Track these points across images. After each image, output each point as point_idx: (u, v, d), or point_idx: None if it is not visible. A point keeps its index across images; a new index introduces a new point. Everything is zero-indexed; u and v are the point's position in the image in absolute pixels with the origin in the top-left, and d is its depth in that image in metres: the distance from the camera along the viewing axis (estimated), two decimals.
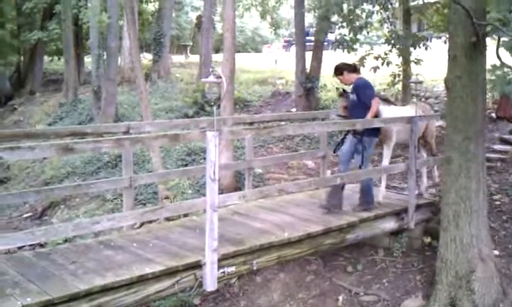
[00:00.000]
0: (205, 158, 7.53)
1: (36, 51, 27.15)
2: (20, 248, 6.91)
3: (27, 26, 27.01)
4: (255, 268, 5.88)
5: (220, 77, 5.48)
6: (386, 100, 7.74)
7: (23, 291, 4.57)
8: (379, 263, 7.64)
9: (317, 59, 14.39)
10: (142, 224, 7.66)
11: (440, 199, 7.41)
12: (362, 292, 7.18)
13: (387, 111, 7.37)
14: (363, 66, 11.20)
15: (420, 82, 7.67)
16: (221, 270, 5.43)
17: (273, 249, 5.99)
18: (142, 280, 4.98)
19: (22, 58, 30.06)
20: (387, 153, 7.56)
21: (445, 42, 9.26)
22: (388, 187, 9.28)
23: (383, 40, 12.42)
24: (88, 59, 26.59)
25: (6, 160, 4.38)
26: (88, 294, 4.66)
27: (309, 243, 6.37)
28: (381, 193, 7.66)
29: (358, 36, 11.25)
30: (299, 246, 6.28)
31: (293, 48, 28.99)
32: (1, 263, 5.30)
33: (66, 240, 6.94)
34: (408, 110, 7.72)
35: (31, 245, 7.30)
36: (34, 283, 4.76)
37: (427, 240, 7.66)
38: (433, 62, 12.72)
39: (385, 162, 7.60)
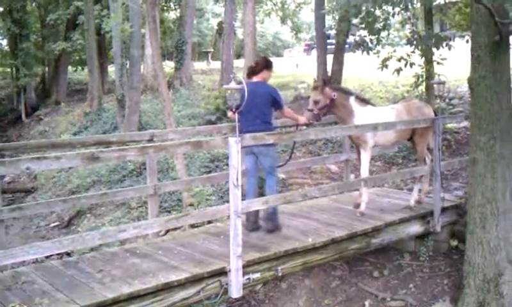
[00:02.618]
0: (228, 165, 7.56)
1: (60, 62, 27.58)
2: (47, 257, 7.02)
3: (51, 37, 27.50)
4: (279, 274, 5.88)
5: (241, 83, 5.50)
6: (362, 100, 7.33)
7: (51, 300, 4.65)
8: (405, 267, 7.55)
9: (338, 62, 14.33)
10: (167, 232, 7.72)
11: (465, 201, 7.31)
12: (389, 297, 7.10)
13: (362, 112, 7.02)
14: (386, 67, 11.13)
15: (443, 83, 7.53)
16: (246, 277, 5.45)
17: (298, 255, 5.98)
18: (168, 288, 5.02)
19: (46, 69, 30.59)
20: (365, 157, 7.09)
21: (468, 41, 9.13)
22: (412, 189, 9.23)
23: (404, 41, 12.32)
24: (111, 69, 26.91)
25: (33, 170, 4.45)
26: (115, 302, 4.73)
27: (334, 248, 6.35)
28: (412, 197, 7.54)
29: (379, 38, 11.17)
30: (324, 251, 6.26)
31: (314, 52, 29.06)
32: (30, 273, 5.41)
33: (92, 249, 7.01)
34: (387, 111, 7.40)
35: (58, 254, 7.40)
36: (62, 292, 4.84)
37: (454, 243, 7.56)
38: (456, 62, 12.55)
39: (364, 167, 7.09)
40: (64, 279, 5.19)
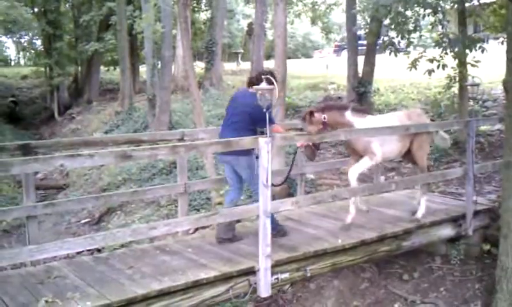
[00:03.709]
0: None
1: (92, 62, 28.04)
2: (78, 253, 7.14)
3: (84, 38, 27.97)
4: (308, 275, 5.86)
5: (272, 84, 5.51)
6: (360, 111, 6.87)
7: (83, 295, 4.73)
8: (435, 270, 7.45)
9: (370, 63, 14.21)
10: (196, 230, 7.77)
11: (499, 205, 7.17)
12: (419, 300, 7.01)
13: (362, 124, 6.58)
14: (415, 68, 11.00)
15: (477, 85, 7.38)
16: (275, 277, 5.45)
17: (327, 256, 5.96)
18: (197, 285, 5.06)
19: (79, 69, 31.16)
20: (366, 163, 6.64)
21: (503, 43, 8.95)
22: (444, 192, 9.11)
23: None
24: (142, 69, 27.25)
25: (67, 167, 4.54)
26: (145, 299, 4.78)
27: (364, 250, 6.30)
28: (420, 211, 7.09)
29: (409, 39, 11.04)
30: (354, 253, 6.22)
31: (344, 53, 28.89)
32: (62, 268, 5.51)
33: (122, 245, 7.09)
34: (389, 119, 7.04)
35: (89, 249, 7.52)
36: (93, 287, 4.91)
37: (486, 247, 7.42)
38: (491, 63, 12.33)
39: (356, 170, 6.61)
40: (96, 275, 5.26)
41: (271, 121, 5.80)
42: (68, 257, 6.48)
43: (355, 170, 6.61)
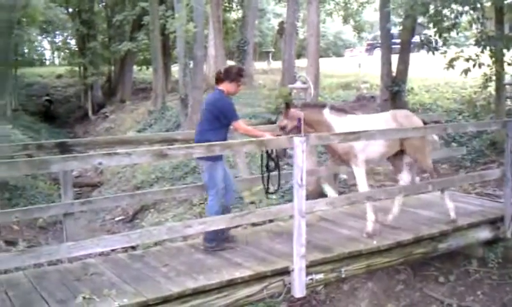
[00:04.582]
0: (288, 164, 7.53)
1: (125, 61, 28.41)
2: (113, 250, 7.22)
3: (117, 37, 28.39)
4: (343, 276, 5.82)
5: (307, 83, 5.48)
6: (340, 110, 6.53)
7: (119, 292, 4.78)
8: (472, 274, 7.29)
9: (404, 62, 14.00)
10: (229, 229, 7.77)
11: None
12: (455, 304, 6.88)
13: (342, 123, 6.25)
14: (453, 68, 10.80)
15: None
16: (309, 277, 5.43)
17: (362, 257, 5.90)
18: (232, 284, 5.07)
19: (112, 68, 31.64)
20: (360, 173, 6.30)
21: None
22: (481, 194, 8.92)
23: (470, 41, 11.93)
24: (174, 68, 27.46)
25: (104, 165, 4.58)
26: (180, 296, 4.81)
27: (399, 252, 6.22)
28: (452, 210, 6.81)
29: (446, 37, 10.86)
30: (389, 255, 6.15)
31: (376, 52, 28.58)
32: (98, 265, 5.59)
33: (156, 243, 7.15)
34: (372, 119, 6.71)
35: (123, 247, 7.59)
36: (129, 285, 4.97)
37: None
38: None
39: (361, 185, 6.30)
40: (131, 272, 5.32)
41: (234, 117, 5.85)
42: (104, 254, 6.58)
43: (362, 186, 6.29)
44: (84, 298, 4.62)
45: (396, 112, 6.88)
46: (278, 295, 5.42)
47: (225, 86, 5.98)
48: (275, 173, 6.12)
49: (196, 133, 6.08)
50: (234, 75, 6.00)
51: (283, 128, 6.17)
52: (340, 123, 6.24)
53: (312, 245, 5.76)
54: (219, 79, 6.02)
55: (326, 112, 6.30)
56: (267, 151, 6.13)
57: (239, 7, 31.38)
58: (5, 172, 4.35)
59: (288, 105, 6.22)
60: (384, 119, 6.56)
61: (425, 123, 6.78)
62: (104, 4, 31.98)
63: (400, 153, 6.70)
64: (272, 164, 6.13)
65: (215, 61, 21.58)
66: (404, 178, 6.84)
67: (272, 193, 6.54)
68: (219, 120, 5.85)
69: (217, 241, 5.90)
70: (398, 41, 14.92)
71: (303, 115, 6.10)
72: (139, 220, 11.86)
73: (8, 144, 9.97)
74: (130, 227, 11.53)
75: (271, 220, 7.12)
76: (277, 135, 5.97)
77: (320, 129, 6.18)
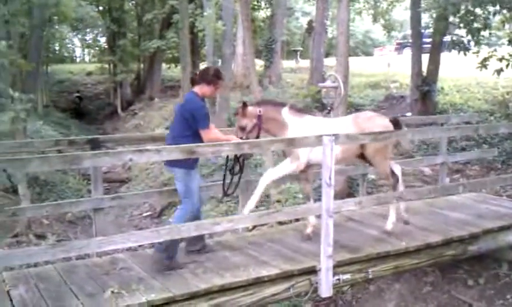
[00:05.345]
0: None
1: (154, 59, 28.65)
2: (140, 245, 7.29)
3: (147, 35, 28.65)
4: (370, 276, 5.76)
5: (337, 82, 5.44)
6: (299, 111, 6.25)
7: (147, 287, 4.83)
8: (502, 277, 7.15)
9: (434, 62, 13.83)
10: (254, 227, 7.78)
11: None
12: None
13: (298, 123, 6.00)
14: (485, 68, 10.62)
15: None
16: (336, 277, 5.39)
17: (390, 258, 5.84)
18: (258, 282, 5.06)
19: (141, 66, 31.93)
20: (284, 164, 5.99)
21: None
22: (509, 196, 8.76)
23: (503, 41, 11.69)
24: (202, 66, 27.59)
25: (135, 161, 4.62)
26: (207, 293, 4.82)
27: (428, 253, 6.14)
28: (390, 220, 6.47)
29: (478, 37, 10.67)
30: (417, 256, 6.07)
31: (406, 51, 28.24)
32: (127, 259, 5.65)
33: (182, 239, 7.20)
34: (330, 121, 6.41)
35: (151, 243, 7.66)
36: (157, 280, 5.01)
37: None
38: None
39: (273, 172, 6.00)
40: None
41: (202, 123, 5.36)
42: (131, 249, 6.65)
43: (269, 174, 5.96)
44: (112, 292, 4.68)
45: (358, 115, 6.52)
46: (305, 294, 5.40)
47: (201, 89, 5.55)
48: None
49: (167, 138, 5.71)
50: (211, 77, 5.57)
51: (243, 129, 5.93)
52: (296, 122, 6.00)
53: (339, 245, 5.73)
54: (194, 81, 5.64)
55: (285, 111, 6.06)
56: (235, 154, 5.86)
57: (267, 5, 31.38)
58: (38, 167, 4.40)
59: (245, 104, 5.92)
60: (345, 123, 6.25)
61: (396, 124, 6.35)
62: (134, 2, 32.32)
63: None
64: (237, 167, 5.94)
65: (243, 60, 21.65)
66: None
67: (228, 195, 6.24)
68: (190, 124, 5.39)
69: (203, 243, 5.66)
70: (429, 40, 14.76)
71: (262, 112, 5.92)
72: (166, 216, 11.96)
73: (39, 140, 10.18)
74: (158, 223, 11.64)
75: (297, 219, 7.11)
76: (240, 137, 5.79)
77: (276, 127, 6.01)
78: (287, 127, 5.97)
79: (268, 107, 6.06)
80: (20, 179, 9.92)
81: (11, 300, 4.67)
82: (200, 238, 5.69)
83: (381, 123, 6.25)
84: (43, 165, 4.29)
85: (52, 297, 4.69)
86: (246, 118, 5.92)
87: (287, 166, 5.98)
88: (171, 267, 5.29)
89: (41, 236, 9.82)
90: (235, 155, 5.92)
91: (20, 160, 4.41)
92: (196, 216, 5.57)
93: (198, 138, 5.35)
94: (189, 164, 5.33)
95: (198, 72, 5.70)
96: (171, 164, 5.35)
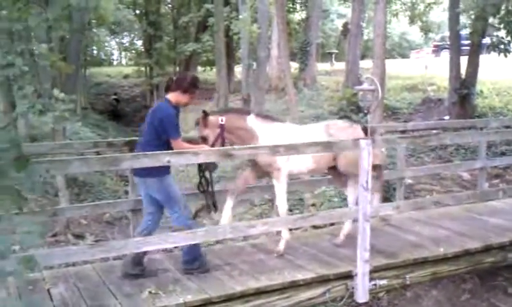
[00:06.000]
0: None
1: (190, 62, 28.92)
2: (176, 247, 7.36)
3: (183, 38, 28.90)
4: (407, 282, 5.69)
5: (375, 84, 5.39)
6: (266, 117, 5.96)
7: (183, 288, 4.88)
8: None
9: (473, 64, 13.55)
10: (289, 230, 7.76)
11: None
12: None
13: (267, 130, 5.71)
14: None
15: None
16: (373, 283, 5.34)
17: (428, 265, 5.75)
18: (294, 286, 5.06)
19: (177, 69, 32.23)
20: (281, 189, 5.73)
21: None
22: None
23: None
24: (237, 69, 27.73)
25: (172, 163, 4.66)
26: (243, 296, 4.84)
27: (467, 260, 6.02)
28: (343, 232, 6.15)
29: None
30: (456, 263, 5.97)
31: (443, 53, 27.76)
32: (163, 261, 5.71)
33: (217, 242, 7.24)
34: (302, 129, 6.11)
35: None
36: (193, 281, 5.06)
37: None
38: None
39: (281, 204, 5.74)
40: None
41: (173, 133, 5.05)
42: (167, 250, 6.72)
43: (281, 203, 5.73)
44: (150, 293, 4.75)
45: (330, 123, 6.23)
46: (340, 299, 5.36)
47: (175, 96, 5.25)
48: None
49: (136, 147, 5.45)
50: (187, 85, 5.26)
51: (204, 139, 5.60)
52: (265, 130, 5.71)
53: (375, 250, 5.66)
54: (169, 88, 5.29)
55: (251, 118, 5.75)
56: (199, 166, 5.63)
57: (302, 8, 31.32)
58: (77, 168, 4.48)
59: (206, 113, 5.60)
60: (316, 131, 5.96)
61: (366, 133, 6.02)
62: (170, 5, 32.70)
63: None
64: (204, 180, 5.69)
65: (278, 62, 21.64)
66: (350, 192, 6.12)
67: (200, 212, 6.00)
68: (158, 133, 5.07)
69: (141, 268, 5.23)
70: (467, 42, 14.49)
71: (225, 121, 5.61)
72: (200, 218, 12.01)
73: (78, 141, 10.39)
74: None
75: (331, 224, 7.07)
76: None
77: (244, 136, 5.68)
78: (255, 135, 5.66)
79: (231, 116, 5.76)
80: (59, 180, 10.12)
81: (51, 298, 4.77)
82: (140, 261, 5.27)
83: (353, 132, 5.92)
84: (82, 166, 4.37)
85: (90, 296, 4.78)
86: (207, 128, 5.61)
87: (283, 186, 5.73)
88: (204, 270, 5.27)
89: (79, 236, 9.99)
90: (200, 169, 5.68)
91: (60, 162, 4.52)
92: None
93: (169, 147, 5.02)
94: (161, 172, 5.00)
95: (172, 79, 5.36)
96: (143, 174, 5.02)
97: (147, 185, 5.14)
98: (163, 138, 5.04)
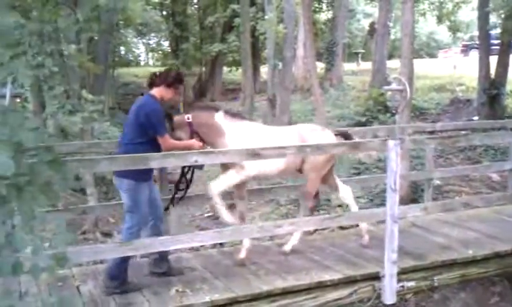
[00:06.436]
0: (377, 167, 7.34)
1: (216, 62, 29.04)
2: (202, 245, 7.40)
3: (209, 39, 29.04)
4: (436, 285, 5.63)
5: (403, 84, 5.35)
6: (235, 115, 5.81)
7: (210, 287, 4.90)
8: None
9: (503, 64, 13.34)
10: (315, 231, 7.74)
11: None
12: None
13: (235, 128, 5.56)
14: None
15: None
16: (400, 284, 5.29)
17: (456, 267, 5.68)
18: (321, 286, 5.05)
19: (203, 69, 32.41)
20: (230, 177, 5.46)
21: None
22: None
23: None
24: (263, 69, 27.74)
25: (200, 163, 4.70)
26: (270, 295, 4.85)
27: (496, 263, 5.93)
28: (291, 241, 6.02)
29: None
30: (485, 265, 5.88)
31: (472, 53, 27.35)
32: (191, 259, 5.76)
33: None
34: (271, 129, 6.01)
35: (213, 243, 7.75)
36: (220, 280, 5.08)
37: None
38: None
39: (219, 183, 5.43)
40: (222, 268, 5.43)
41: (161, 130, 4.92)
42: (194, 249, 6.76)
43: (216, 186, 5.41)
44: (177, 291, 4.79)
45: (300, 126, 6.18)
46: (367, 300, 5.32)
47: (159, 92, 5.09)
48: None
49: (118, 145, 5.30)
50: (172, 80, 5.11)
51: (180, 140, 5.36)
52: (233, 127, 5.55)
53: (403, 251, 5.60)
54: (153, 83, 5.14)
55: (219, 115, 5.59)
56: (183, 167, 5.53)
57: (329, 8, 31.18)
58: (106, 167, 4.54)
59: (169, 116, 5.37)
60: (287, 133, 5.84)
61: (347, 137, 5.97)
62: (196, 6, 32.89)
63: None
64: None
65: (304, 62, 21.61)
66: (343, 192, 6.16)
67: (166, 209, 5.77)
68: (145, 130, 4.90)
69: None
70: (497, 42, 14.25)
71: (191, 118, 5.46)
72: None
73: (107, 141, 10.53)
74: (218, 223, 11.75)
75: (357, 224, 7.03)
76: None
77: (210, 133, 5.51)
78: (223, 133, 5.50)
79: (198, 112, 5.64)
80: (88, 178, 10.26)
81: (80, 295, 4.85)
82: (165, 259, 5.28)
83: (325, 136, 5.82)
84: (111, 165, 4.43)
85: (119, 294, 4.83)
86: (177, 130, 5.44)
87: (233, 177, 5.46)
88: (125, 290, 4.89)
89: (107, 234, 10.13)
90: (183, 169, 5.56)
91: (89, 161, 4.58)
92: (155, 233, 5.13)
93: (153, 145, 4.87)
94: (139, 175, 4.78)
95: (156, 74, 5.21)
96: (120, 174, 4.84)
97: (121, 185, 4.93)
98: (150, 134, 4.88)
